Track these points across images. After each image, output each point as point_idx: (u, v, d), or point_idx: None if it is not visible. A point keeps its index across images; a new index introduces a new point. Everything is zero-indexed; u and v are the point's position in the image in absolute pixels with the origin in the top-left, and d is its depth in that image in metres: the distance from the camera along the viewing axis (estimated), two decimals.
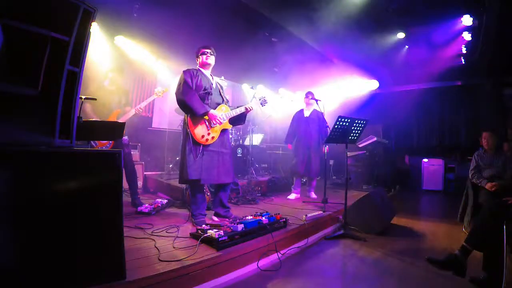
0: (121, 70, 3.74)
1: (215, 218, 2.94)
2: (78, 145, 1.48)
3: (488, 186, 2.93)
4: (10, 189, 1.24)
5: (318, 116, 4.41)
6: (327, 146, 4.08)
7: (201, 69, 2.86)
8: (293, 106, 5.89)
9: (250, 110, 2.94)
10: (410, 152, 7.19)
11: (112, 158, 1.52)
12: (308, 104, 4.48)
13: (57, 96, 1.31)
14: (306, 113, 4.49)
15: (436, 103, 7.02)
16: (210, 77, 2.88)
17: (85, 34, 1.39)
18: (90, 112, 3.17)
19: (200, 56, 2.84)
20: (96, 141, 3.13)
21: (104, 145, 3.18)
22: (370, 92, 7.47)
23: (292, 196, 4.39)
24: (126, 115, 3.27)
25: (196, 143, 2.66)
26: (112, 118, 3.20)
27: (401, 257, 2.58)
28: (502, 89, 6.18)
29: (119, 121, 3.14)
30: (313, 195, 4.39)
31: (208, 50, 2.84)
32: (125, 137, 3.31)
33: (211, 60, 2.86)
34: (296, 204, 3.85)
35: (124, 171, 3.31)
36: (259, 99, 3.04)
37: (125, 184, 3.49)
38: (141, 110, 3.34)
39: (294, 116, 4.64)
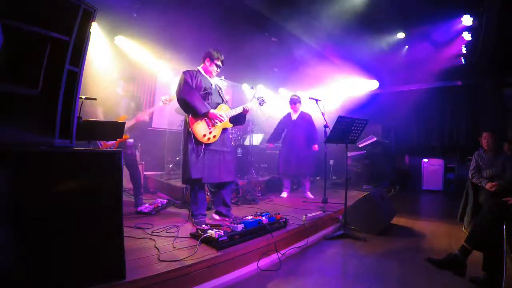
0: (133, 77, 3.80)
1: (216, 217, 2.95)
2: (78, 145, 1.47)
3: (488, 186, 2.93)
4: (10, 189, 1.24)
5: (305, 119, 4.48)
6: (325, 147, 4.09)
7: (201, 70, 2.87)
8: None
9: (248, 110, 2.96)
10: (410, 152, 7.18)
11: (112, 158, 1.52)
12: (294, 109, 4.52)
13: (57, 96, 1.32)
14: (294, 116, 4.54)
15: (436, 103, 7.02)
16: (209, 78, 2.90)
17: (85, 34, 1.40)
18: (101, 116, 3.21)
19: (212, 65, 2.85)
20: (101, 142, 3.15)
21: (109, 146, 3.19)
22: (370, 92, 7.47)
23: (284, 194, 4.50)
24: (130, 121, 3.31)
25: (198, 142, 2.67)
26: None
27: (401, 257, 2.58)
28: (502, 89, 6.18)
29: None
30: (310, 195, 4.40)
31: (221, 65, 2.90)
32: (130, 140, 3.35)
33: (217, 73, 2.94)
34: (296, 204, 3.85)
35: (127, 171, 3.34)
36: (257, 99, 3.06)
37: (126, 184, 3.50)
38: (146, 116, 3.43)
39: (281, 119, 4.70)
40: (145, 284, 1.59)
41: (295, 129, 4.45)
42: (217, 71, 2.92)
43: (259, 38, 5.05)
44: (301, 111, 4.54)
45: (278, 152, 6.28)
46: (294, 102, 4.48)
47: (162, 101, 3.37)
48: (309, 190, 4.50)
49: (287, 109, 4.70)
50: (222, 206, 2.95)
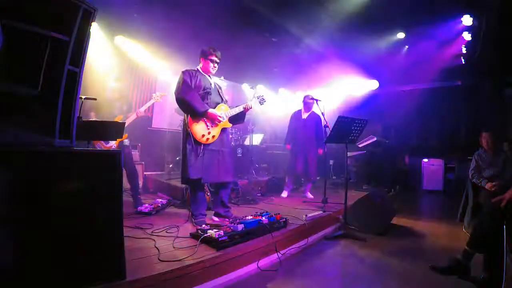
0: (123, 78, 3.81)
1: (215, 218, 2.94)
2: (78, 145, 1.47)
3: (488, 186, 2.92)
4: (10, 189, 1.24)
5: (315, 119, 4.43)
6: (325, 147, 4.09)
7: (200, 70, 2.86)
8: (293, 106, 5.89)
9: (249, 108, 2.94)
10: (410, 152, 7.18)
11: (112, 158, 1.52)
12: (306, 107, 4.49)
13: (57, 96, 1.32)
14: (304, 115, 4.51)
15: (436, 103, 7.01)
16: (209, 77, 2.88)
17: (85, 34, 1.40)
18: (94, 117, 3.22)
19: (207, 62, 2.82)
20: (99, 145, 3.16)
21: (110, 148, 3.21)
22: (370, 91, 7.47)
23: (284, 194, 4.47)
24: (128, 120, 3.32)
25: (196, 143, 2.66)
26: None
27: (401, 257, 2.57)
28: (502, 89, 6.18)
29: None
30: (309, 195, 4.40)
31: (218, 60, 2.84)
32: (126, 140, 3.37)
33: (216, 69, 2.88)
34: (296, 204, 3.85)
35: (125, 171, 3.34)
36: (257, 98, 3.05)
37: (125, 184, 3.50)
38: (142, 113, 3.43)
39: (291, 116, 4.66)
40: (145, 284, 1.59)
41: (305, 128, 4.41)
42: (214, 67, 2.85)
43: (259, 38, 5.05)
44: (312, 111, 4.49)
45: (280, 152, 6.33)
46: (306, 101, 4.43)
47: (155, 97, 3.47)
48: (309, 190, 4.49)
49: (288, 108, 4.69)
50: (221, 207, 2.94)
